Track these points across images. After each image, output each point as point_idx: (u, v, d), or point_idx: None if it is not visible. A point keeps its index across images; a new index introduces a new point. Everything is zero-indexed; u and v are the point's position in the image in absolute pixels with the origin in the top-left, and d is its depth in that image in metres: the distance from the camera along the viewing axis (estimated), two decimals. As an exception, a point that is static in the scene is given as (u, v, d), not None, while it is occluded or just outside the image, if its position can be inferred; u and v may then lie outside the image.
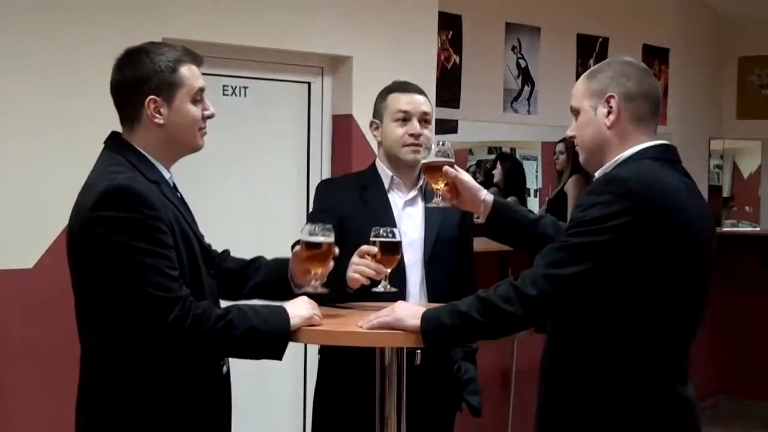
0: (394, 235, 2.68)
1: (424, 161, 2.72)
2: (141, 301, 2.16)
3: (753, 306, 7.41)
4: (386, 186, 3.11)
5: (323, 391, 3.15)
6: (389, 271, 2.69)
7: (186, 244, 2.29)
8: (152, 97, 2.30)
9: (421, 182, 3.11)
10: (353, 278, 2.68)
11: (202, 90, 2.38)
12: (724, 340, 7.35)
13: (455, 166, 2.67)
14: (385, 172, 3.12)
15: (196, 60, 2.39)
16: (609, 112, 2.35)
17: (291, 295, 2.61)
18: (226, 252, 2.72)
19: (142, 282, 2.16)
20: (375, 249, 2.67)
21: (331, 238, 2.55)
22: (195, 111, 2.36)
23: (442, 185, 2.67)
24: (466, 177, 2.69)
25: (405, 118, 3.04)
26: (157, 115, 2.31)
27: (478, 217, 2.76)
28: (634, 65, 2.42)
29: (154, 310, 2.16)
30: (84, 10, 3.55)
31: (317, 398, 3.18)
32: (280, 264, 2.71)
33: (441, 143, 2.69)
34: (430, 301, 2.99)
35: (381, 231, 2.68)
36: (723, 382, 7.47)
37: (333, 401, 3.09)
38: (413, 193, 3.12)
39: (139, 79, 2.31)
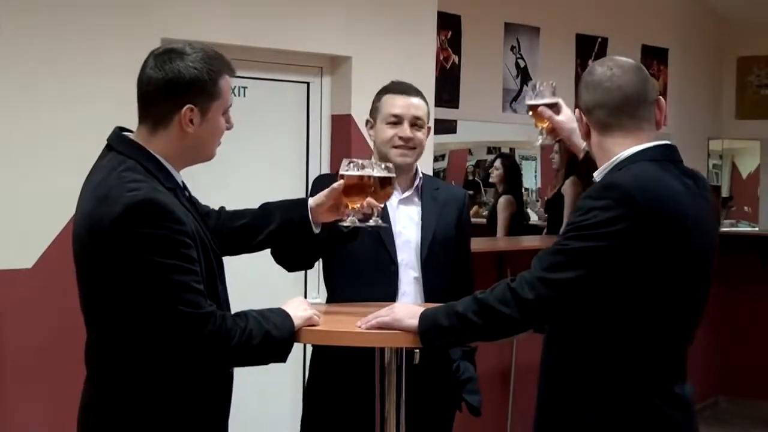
0: (390, 170, 2.67)
1: (528, 102, 2.79)
2: (173, 319, 2.12)
3: (753, 306, 7.41)
4: None
5: (314, 388, 3.15)
6: (381, 206, 2.70)
7: (205, 254, 2.25)
8: (190, 105, 2.20)
9: (417, 182, 3.11)
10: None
11: (230, 105, 2.33)
12: (724, 340, 7.35)
13: (558, 103, 2.75)
14: None
15: (233, 71, 2.31)
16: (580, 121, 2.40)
17: (311, 237, 2.62)
18: (222, 211, 2.66)
19: (174, 300, 2.11)
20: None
21: (371, 171, 2.61)
22: (222, 125, 2.30)
23: (546, 124, 2.78)
24: (560, 117, 2.75)
25: (396, 122, 3.04)
26: (190, 124, 2.22)
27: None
28: (601, 71, 2.32)
29: (187, 327, 2.13)
30: (82, 10, 3.55)
31: (307, 396, 3.18)
32: (297, 204, 2.67)
33: (543, 84, 2.78)
34: (426, 300, 2.99)
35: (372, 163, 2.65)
36: (723, 382, 7.48)
37: (324, 399, 3.09)
38: (408, 192, 3.11)
39: (180, 83, 2.20)
